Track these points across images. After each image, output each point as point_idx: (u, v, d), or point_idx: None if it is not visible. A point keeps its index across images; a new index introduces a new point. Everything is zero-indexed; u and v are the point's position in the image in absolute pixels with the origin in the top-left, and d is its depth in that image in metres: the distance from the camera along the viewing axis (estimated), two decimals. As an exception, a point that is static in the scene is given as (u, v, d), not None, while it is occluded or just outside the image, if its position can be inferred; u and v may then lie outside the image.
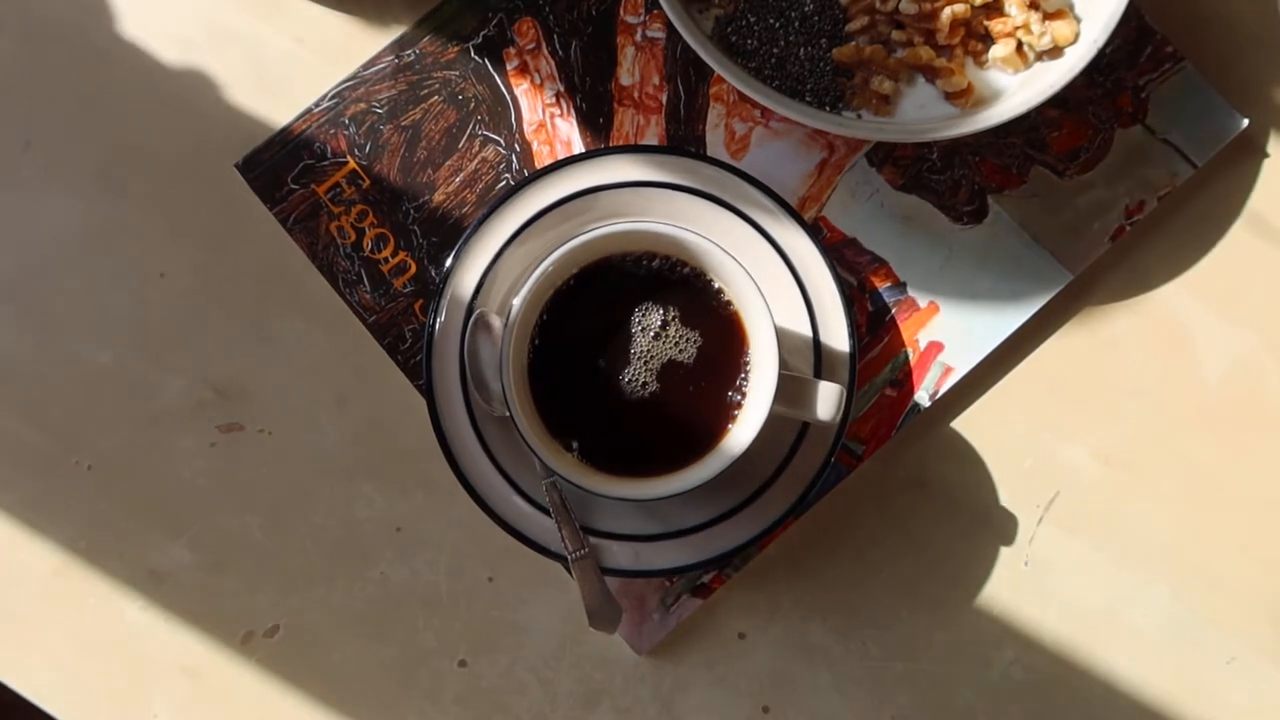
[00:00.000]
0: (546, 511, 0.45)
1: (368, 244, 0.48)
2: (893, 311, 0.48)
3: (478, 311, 0.44)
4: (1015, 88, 0.46)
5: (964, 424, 0.49)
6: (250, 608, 0.48)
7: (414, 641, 0.48)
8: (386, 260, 0.48)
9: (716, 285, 0.43)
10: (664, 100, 0.49)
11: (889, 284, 0.48)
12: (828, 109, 0.46)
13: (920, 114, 0.46)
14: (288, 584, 0.48)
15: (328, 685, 0.48)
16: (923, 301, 0.48)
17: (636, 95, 0.49)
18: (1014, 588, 0.48)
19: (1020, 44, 0.46)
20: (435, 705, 0.47)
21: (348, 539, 0.48)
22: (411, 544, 0.48)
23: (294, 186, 0.48)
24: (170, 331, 0.49)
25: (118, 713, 0.47)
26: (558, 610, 0.48)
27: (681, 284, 0.43)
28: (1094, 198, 0.49)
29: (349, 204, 0.48)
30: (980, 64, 0.47)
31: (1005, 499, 0.49)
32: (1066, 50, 0.46)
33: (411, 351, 0.48)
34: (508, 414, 0.41)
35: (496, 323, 0.44)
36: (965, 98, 0.46)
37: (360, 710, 0.47)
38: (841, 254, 0.48)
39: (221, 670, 0.48)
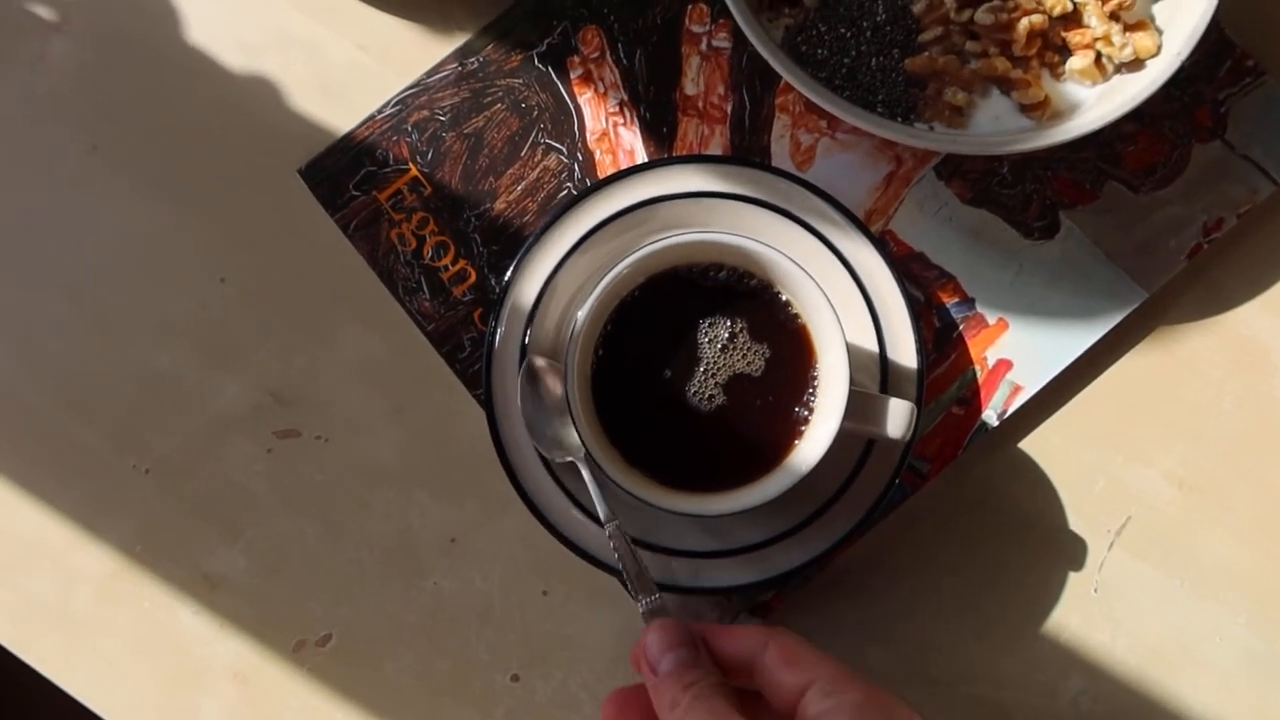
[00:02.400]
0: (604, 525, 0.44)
1: (428, 252, 0.48)
2: (960, 328, 0.47)
3: (527, 359, 0.43)
4: (1092, 101, 0.45)
5: (1033, 444, 0.48)
6: (303, 615, 0.47)
7: (466, 654, 0.47)
8: (447, 268, 0.48)
9: (784, 298, 0.42)
10: (729, 110, 0.48)
11: (957, 300, 0.47)
12: (900, 120, 0.45)
13: (994, 126, 0.45)
14: (341, 592, 0.47)
15: (378, 696, 0.47)
16: (991, 318, 0.47)
17: (701, 105, 0.48)
18: (1083, 615, 0.47)
19: (1099, 56, 0.45)
20: (486, 719, 0.47)
21: (402, 548, 0.48)
22: (466, 555, 0.48)
23: (355, 193, 0.48)
24: (229, 336, 0.49)
25: (167, 717, 0.47)
26: (613, 626, 0.47)
27: (748, 296, 0.42)
28: (1170, 214, 0.48)
29: (410, 211, 0.48)
30: (1057, 76, 0.46)
31: (1075, 523, 0.47)
32: (1148, 63, 0.44)
33: (470, 360, 0.47)
34: (566, 455, 0.40)
35: (542, 363, 0.43)
36: (1041, 110, 0.45)
37: (411, 722, 0.47)
38: (909, 268, 0.47)
39: (272, 678, 0.47)
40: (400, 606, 0.47)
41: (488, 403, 0.45)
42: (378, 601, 0.47)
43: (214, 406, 0.48)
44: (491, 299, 0.47)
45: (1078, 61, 0.45)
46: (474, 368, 0.47)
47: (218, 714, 0.47)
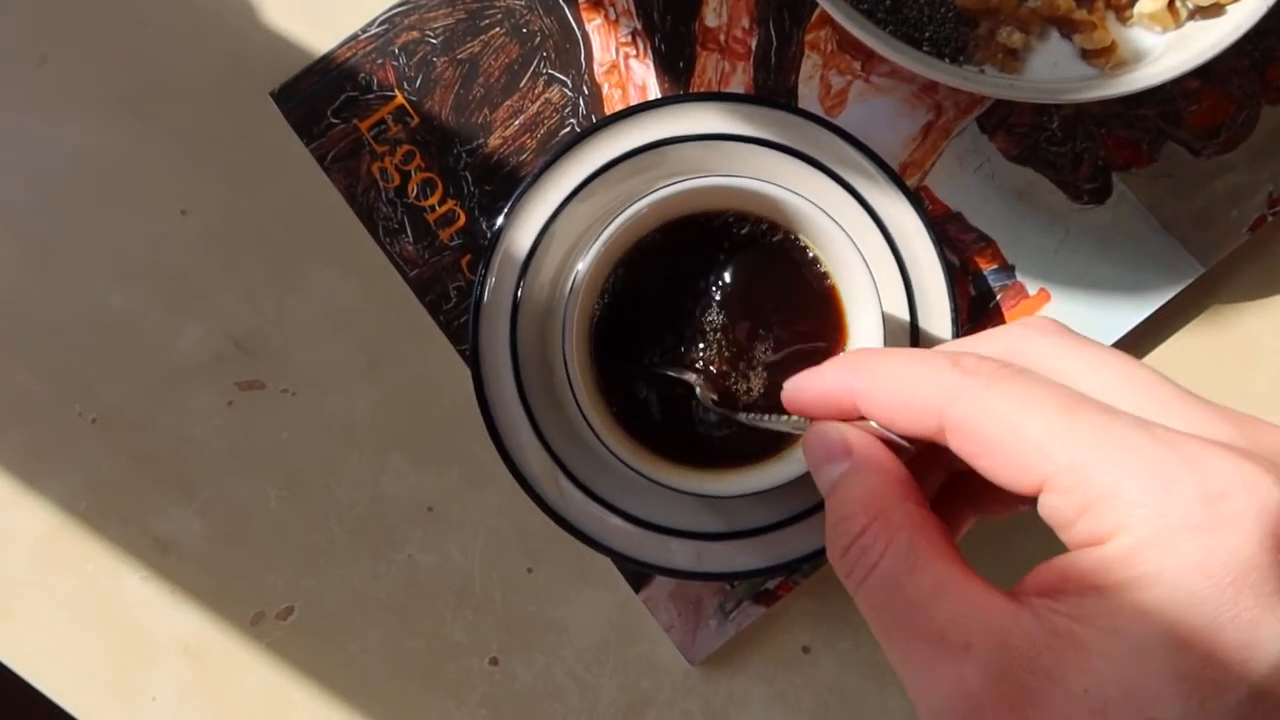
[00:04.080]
0: (598, 498, 0.40)
1: (413, 189, 0.43)
2: (998, 297, 0.43)
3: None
4: (1162, 49, 0.40)
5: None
6: (263, 586, 0.43)
7: (441, 634, 0.43)
8: (433, 209, 0.43)
9: (812, 255, 0.38)
10: (753, 46, 0.43)
11: (995, 266, 0.43)
12: (947, 60, 0.40)
13: (1052, 73, 0.40)
14: (305, 562, 0.43)
15: (343, 676, 0.43)
16: (1032, 288, 0.43)
17: (722, 39, 0.43)
18: (1115, 615, 0.43)
19: (1173, -2, 0.40)
20: (461, 706, 0.43)
21: (374, 516, 0.43)
22: (444, 526, 0.43)
23: (334, 121, 0.43)
24: (189, 275, 0.44)
25: (112, 692, 0.43)
26: (603, 609, 0.43)
27: (772, 252, 0.38)
28: (1233, 182, 0.43)
29: (394, 143, 0.43)
30: (1124, 20, 0.41)
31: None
32: (1228, 8, 0.40)
33: (456, 312, 0.43)
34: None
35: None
36: (1105, 57, 0.40)
37: (377, 706, 0.43)
38: (944, 229, 0.43)
39: (228, 652, 0.43)
40: (370, 580, 0.43)
41: (474, 360, 0.40)
42: (345, 574, 0.43)
43: (170, 353, 0.44)
44: (481, 245, 0.43)
45: (1148, 4, 0.40)
46: (460, 320, 0.43)
47: (166, 689, 0.43)
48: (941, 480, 0.29)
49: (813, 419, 0.28)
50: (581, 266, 0.36)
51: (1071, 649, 0.20)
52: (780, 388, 0.35)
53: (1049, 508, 0.22)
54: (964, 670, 0.21)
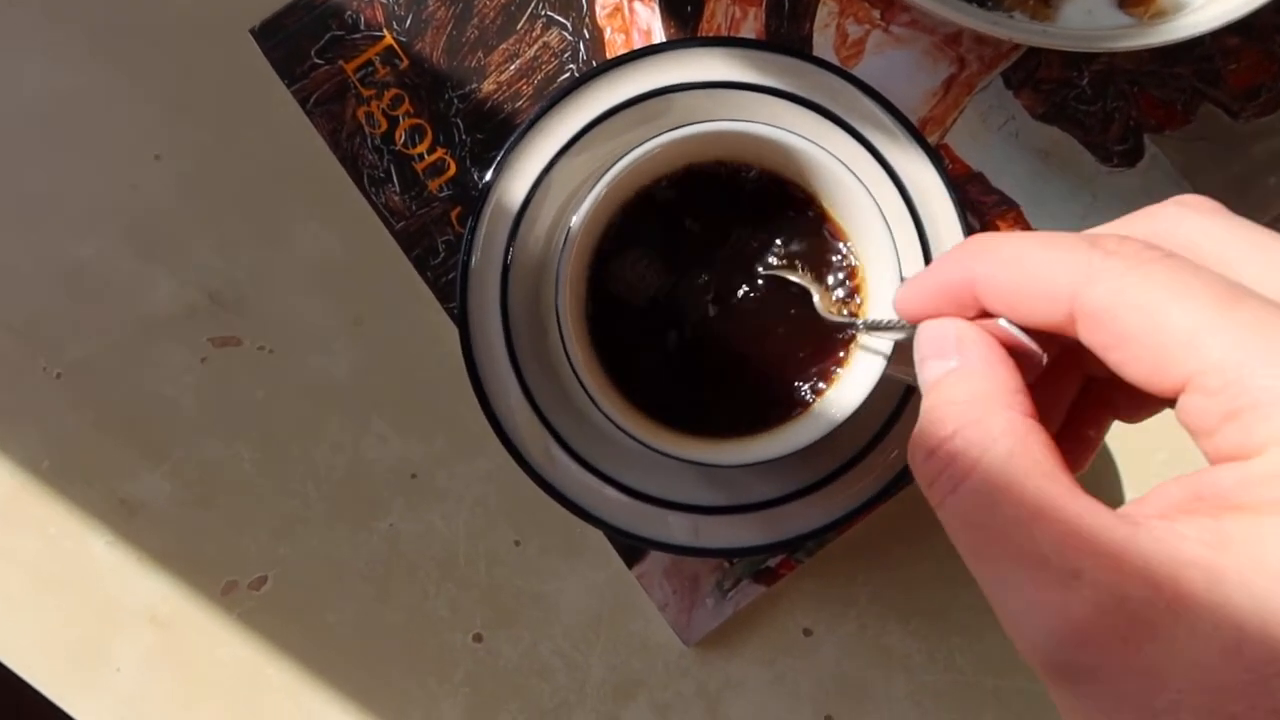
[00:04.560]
0: (591, 468, 0.37)
1: (400, 136, 0.40)
2: (1020, 264, 0.40)
3: None
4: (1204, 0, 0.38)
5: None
6: (235, 553, 0.41)
7: (423, 608, 0.41)
8: (422, 157, 0.40)
9: (826, 210, 0.35)
10: (765, -10, 0.41)
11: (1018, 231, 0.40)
12: (974, 3, 0.38)
13: (1086, 21, 0.38)
14: (281, 529, 0.41)
15: (318, 650, 0.41)
16: (1057, 255, 0.40)
17: (733, -18, 0.41)
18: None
19: (1219, -58, 0.38)
20: (442, 684, 0.41)
21: (354, 482, 0.41)
22: (428, 494, 0.41)
23: (318, 61, 0.40)
24: (163, 224, 0.41)
25: (74, 662, 0.41)
26: (594, 584, 0.41)
27: (782, 205, 0.35)
28: (1273, 147, 0.41)
29: (382, 87, 0.40)
30: (1164, -35, 0.39)
31: (1133, 496, 0.41)
32: (1277, -46, 0.37)
33: (444, 268, 0.40)
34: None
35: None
36: (1144, 5, 0.38)
37: (353, 682, 0.41)
38: (965, 191, 0.40)
39: (197, 623, 0.41)
40: (348, 550, 0.41)
41: (461, 319, 0.38)
42: (322, 542, 0.41)
43: (142, 305, 0.41)
44: (472, 196, 0.40)
45: (1191, -51, 0.38)
46: (448, 276, 0.40)
47: (132, 660, 0.41)
48: (1076, 389, 0.26)
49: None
50: (576, 218, 0.34)
51: (1202, 578, 0.18)
52: (782, 341, 0.33)
53: (1190, 411, 0.19)
54: (1070, 599, 0.19)
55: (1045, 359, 0.23)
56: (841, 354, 0.35)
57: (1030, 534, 0.19)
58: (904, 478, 0.37)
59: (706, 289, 0.35)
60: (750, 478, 0.37)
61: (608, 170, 0.34)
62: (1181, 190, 0.41)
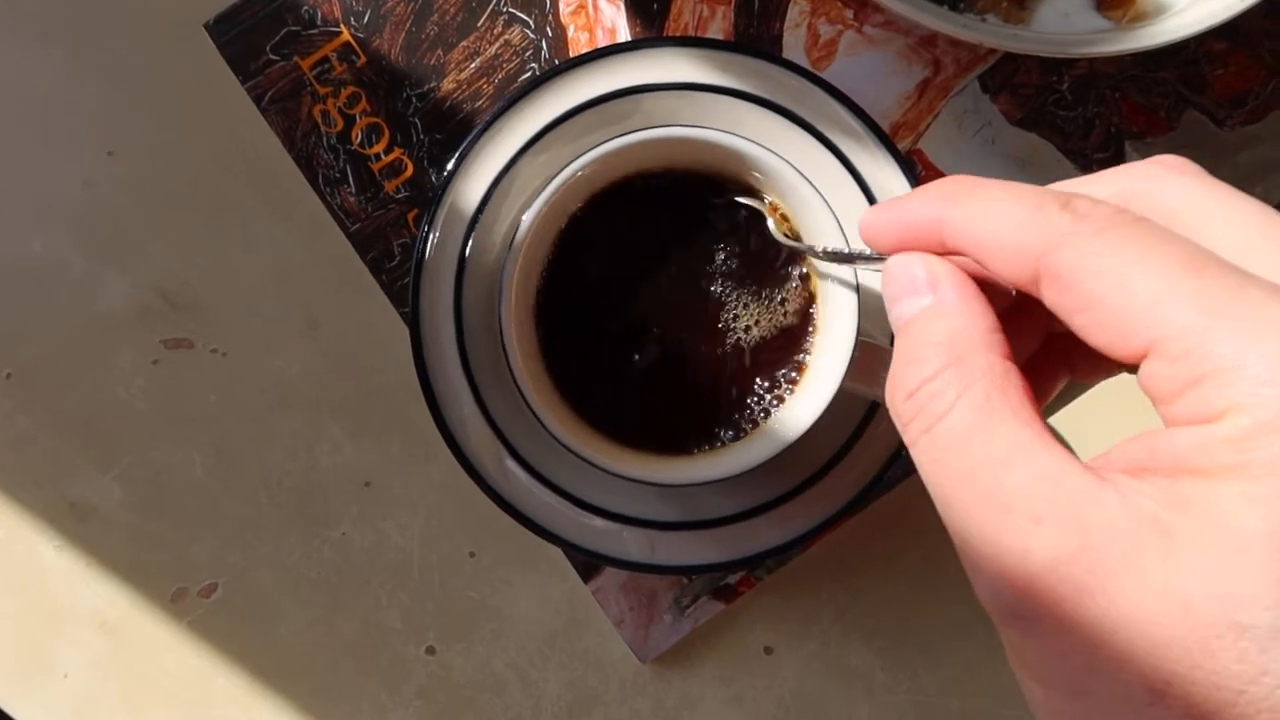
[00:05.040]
0: (546, 480, 0.36)
1: (357, 135, 0.39)
2: (993, 275, 0.39)
3: None
4: (1186, 2, 0.36)
5: (1065, 420, 0.40)
6: (186, 560, 0.40)
7: (375, 619, 0.40)
8: (378, 157, 0.39)
9: (784, 215, 0.34)
10: (735, -12, 0.39)
11: (992, 241, 0.39)
12: (944, 5, 0.36)
13: (1062, 24, 0.36)
14: (232, 536, 0.40)
15: (269, 660, 0.40)
16: (1032, 266, 0.39)
17: (702, -21, 0.39)
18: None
19: (1202, -56, 0.36)
20: (394, 696, 0.40)
21: (307, 489, 0.40)
22: (382, 503, 0.40)
23: (274, 57, 0.39)
24: (115, 222, 0.40)
25: (20, 667, 0.40)
26: (550, 598, 0.40)
27: (739, 214, 0.34)
28: (1259, 156, 0.39)
29: (339, 84, 0.39)
30: (1145, -33, 0.37)
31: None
32: (1263, -43, 0.35)
33: (399, 271, 0.39)
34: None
35: None
36: (1123, 8, 0.36)
37: (304, 693, 0.40)
38: (937, 198, 0.39)
39: (146, 630, 0.40)
40: (301, 558, 0.40)
41: (414, 323, 0.37)
42: (274, 550, 0.40)
43: (93, 305, 0.40)
44: (430, 198, 0.39)
45: (1174, -50, 0.36)
46: (404, 280, 0.39)
47: (80, 666, 0.40)
48: (1038, 342, 0.26)
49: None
50: (526, 217, 0.33)
51: (1156, 535, 0.18)
52: (737, 355, 0.32)
53: (1152, 376, 0.19)
54: (1030, 545, 0.19)
55: (1013, 294, 0.24)
56: (796, 375, 0.34)
57: (998, 478, 0.20)
58: (866, 496, 0.36)
59: (662, 300, 0.34)
60: (708, 494, 0.36)
61: (557, 175, 0.33)
62: (1163, 200, 0.39)
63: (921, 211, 0.23)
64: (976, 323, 0.22)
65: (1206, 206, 0.21)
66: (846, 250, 0.29)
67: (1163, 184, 0.22)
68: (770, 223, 0.33)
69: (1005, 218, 0.21)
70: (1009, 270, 0.21)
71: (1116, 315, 0.19)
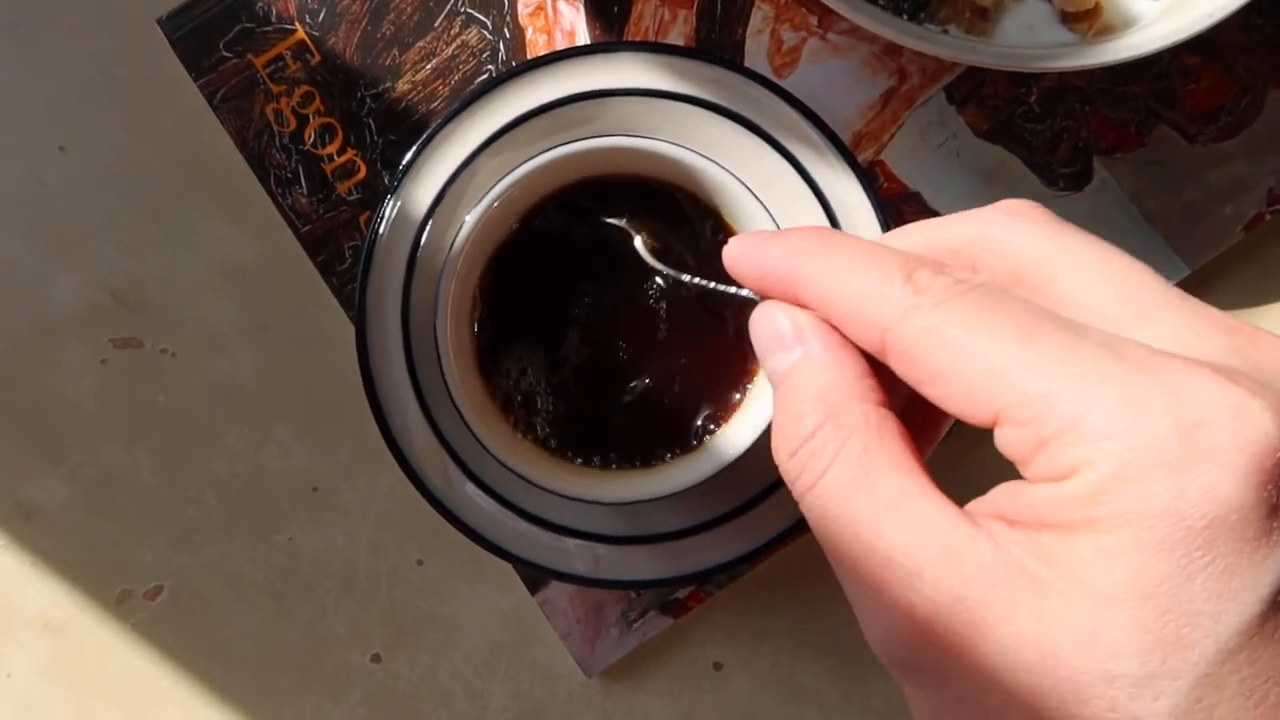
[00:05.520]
0: (490, 490, 0.36)
1: (310, 135, 0.39)
2: (954, 290, 0.38)
3: None
4: (1154, 15, 0.36)
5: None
6: (131, 561, 0.40)
7: (321, 625, 0.39)
8: (331, 158, 0.39)
9: (729, 226, 0.33)
10: (698, -8, 0.39)
11: (954, 255, 0.38)
12: (905, 17, 0.36)
13: (1026, 37, 0.35)
14: (178, 538, 0.40)
15: (213, 662, 0.39)
16: (994, 282, 0.38)
17: (664, -18, 0.39)
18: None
19: (1170, -44, 0.35)
20: (338, 703, 0.39)
21: (254, 493, 0.40)
22: (330, 508, 0.39)
23: (227, 55, 0.39)
24: (65, 219, 0.40)
25: (-37, 667, 0.39)
26: (497, 608, 0.39)
27: (686, 228, 0.33)
28: (1231, 174, 0.39)
29: (292, 83, 0.39)
30: (1113, -21, 0.36)
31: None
32: (1232, -29, 0.35)
33: (350, 274, 0.39)
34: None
35: None
36: (1088, 21, 0.35)
37: (248, 696, 0.39)
38: (900, 210, 0.38)
39: (90, 631, 0.40)
40: (247, 561, 0.39)
41: (359, 325, 0.36)
42: (220, 553, 0.40)
43: (41, 303, 0.40)
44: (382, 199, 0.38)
45: (1142, -38, 0.35)
46: (354, 284, 0.39)
47: (23, 666, 0.40)
48: None
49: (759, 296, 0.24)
50: (469, 218, 0.32)
51: (1027, 585, 0.18)
52: (682, 371, 0.31)
53: (1005, 442, 0.19)
54: (912, 598, 0.19)
55: None
56: (737, 396, 0.33)
57: (878, 532, 0.20)
58: (816, 513, 0.36)
59: (605, 314, 0.34)
60: (655, 509, 0.36)
61: (500, 181, 0.32)
62: (1131, 217, 0.38)
63: (779, 263, 0.23)
64: (846, 373, 0.21)
65: (1048, 252, 0.21)
66: (711, 285, 0.28)
67: (1009, 231, 0.22)
68: (637, 241, 0.33)
69: (853, 289, 0.21)
70: (860, 341, 0.21)
71: (963, 386, 0.19)
